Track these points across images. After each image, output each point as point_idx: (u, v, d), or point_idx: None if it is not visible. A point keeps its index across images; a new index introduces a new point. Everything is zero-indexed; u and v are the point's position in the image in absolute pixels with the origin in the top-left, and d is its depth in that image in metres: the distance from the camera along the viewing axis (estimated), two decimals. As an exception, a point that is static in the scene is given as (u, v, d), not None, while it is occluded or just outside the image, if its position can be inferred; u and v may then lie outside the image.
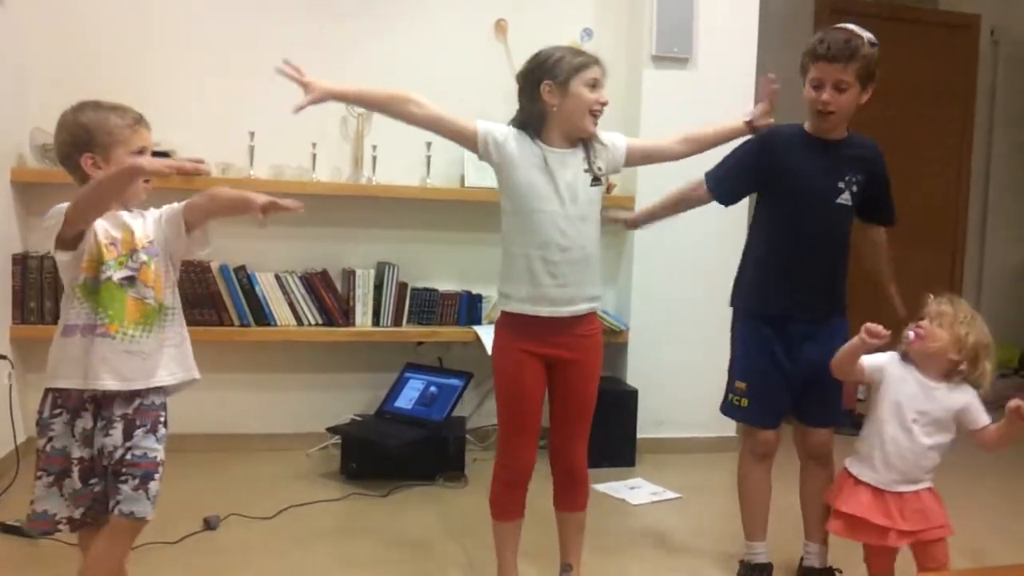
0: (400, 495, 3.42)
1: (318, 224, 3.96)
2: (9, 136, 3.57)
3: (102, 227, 2.05)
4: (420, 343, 3.98)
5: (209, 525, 3.00)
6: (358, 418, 3.81)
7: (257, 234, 3.89)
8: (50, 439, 2.04)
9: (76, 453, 2.03)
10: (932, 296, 2.35)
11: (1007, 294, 5.91)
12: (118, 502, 2.00)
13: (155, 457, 2.05)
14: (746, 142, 2.66)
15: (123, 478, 2.00)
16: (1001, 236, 6.33)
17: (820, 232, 2.56)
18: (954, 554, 2.40)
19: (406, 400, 3.78)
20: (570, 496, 2.51)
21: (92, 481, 2.04)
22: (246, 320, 3.77)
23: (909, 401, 2.31)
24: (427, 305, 4.00)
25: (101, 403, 2.04)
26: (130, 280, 2.06)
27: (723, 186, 2.69)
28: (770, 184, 2.62)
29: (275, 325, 3.81)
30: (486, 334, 3.90)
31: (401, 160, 3.97)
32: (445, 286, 4.06)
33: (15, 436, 3.39)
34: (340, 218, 3.99)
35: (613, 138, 2.48)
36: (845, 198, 2.57)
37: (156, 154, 3.54)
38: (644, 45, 4.06)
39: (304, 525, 3.09)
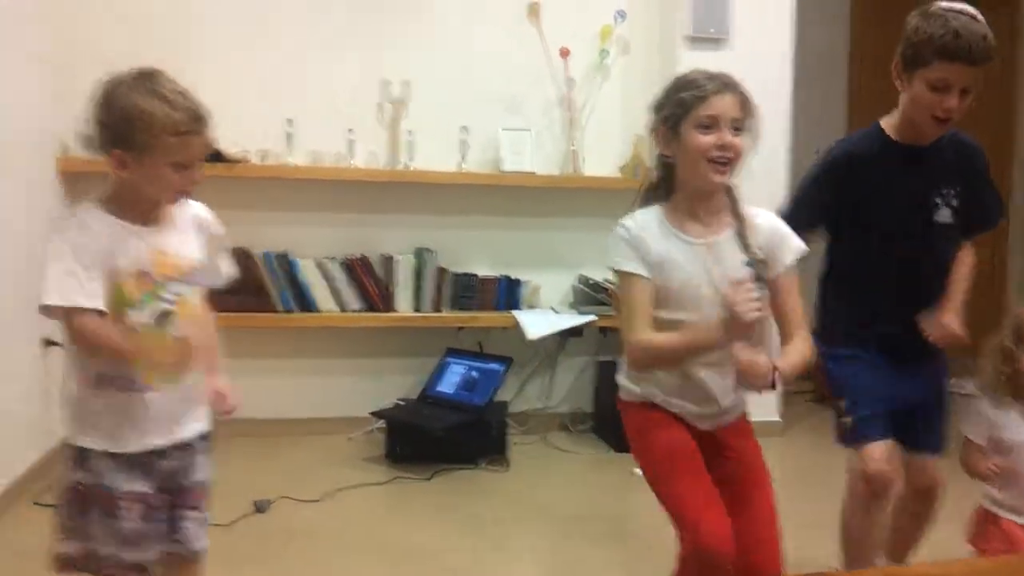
0: (443, 478, 3.45)
1: (356, 210, 3.99)
2: (52, 124, 3.37)
3: (131, 249, 1.65)
4: (461, 328, 4.00)
5: (259, 508, 3.04)
6: (401, 402, 3.84)
7: (297, 221, 3.96)
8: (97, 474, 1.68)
9: (125, 487, 1.68)
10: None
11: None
12: (186, 540, 1.77)
13: (205, 480, 1.83)
14: (821, 171, 2.20)
15: (185, 511, 1.77)
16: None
17: (918, 259, 2.15)
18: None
19: (448, 385, 3.80)
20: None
21: (160, 518, 1.73)
22: (289, 306, 3.80)
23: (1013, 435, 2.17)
24: (466, 290, 4.01)
25: None
26: (166, 316, 1.66)
27: (802, 226, 2.03)
28: (853, 209, 2.16)
29: (317, 311, 3.84)
30: (525, 319, 3.91)
31: (437, 145, 3.98)
32: (483, 271, 4.07)
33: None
34: (378, 204, 4.00)
35: (771, 224, 1.90)
36: (945, 215, 2.15)
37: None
38: (679, 26, 4.02)
39: (351, 508, 3.13)
